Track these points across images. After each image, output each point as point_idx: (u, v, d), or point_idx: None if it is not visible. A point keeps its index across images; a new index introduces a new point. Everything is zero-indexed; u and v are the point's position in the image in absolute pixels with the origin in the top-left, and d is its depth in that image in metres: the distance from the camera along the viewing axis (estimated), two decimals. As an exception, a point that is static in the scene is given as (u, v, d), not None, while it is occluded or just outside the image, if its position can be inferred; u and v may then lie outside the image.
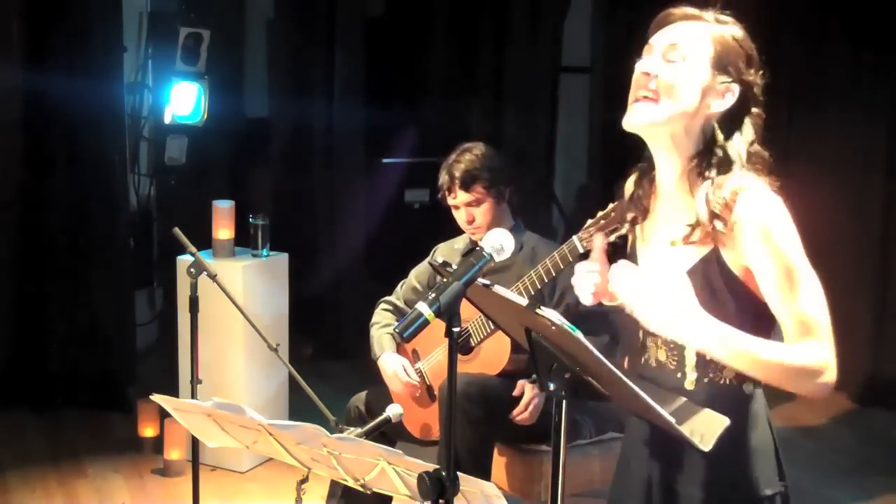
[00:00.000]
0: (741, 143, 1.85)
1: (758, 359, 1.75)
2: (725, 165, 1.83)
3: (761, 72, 1.88)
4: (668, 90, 1.83)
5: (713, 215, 1.80)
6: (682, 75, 1.83)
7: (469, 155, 3.29)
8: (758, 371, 1.79)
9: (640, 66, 1.87)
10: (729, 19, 1.89)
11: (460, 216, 3.33)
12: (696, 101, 1.83)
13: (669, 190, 1.92)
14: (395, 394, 3.40)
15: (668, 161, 1.90)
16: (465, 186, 3.25)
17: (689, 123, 1.85)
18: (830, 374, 1.76)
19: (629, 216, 2.01)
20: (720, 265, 1.82)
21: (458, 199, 3.29)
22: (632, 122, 1.86)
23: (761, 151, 1.87)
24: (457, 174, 3.26)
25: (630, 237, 2.03)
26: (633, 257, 2.00)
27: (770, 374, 1.79)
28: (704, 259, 1.84)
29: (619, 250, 2.22)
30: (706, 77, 1.84)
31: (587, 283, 1.99)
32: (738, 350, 1.75)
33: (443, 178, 3.31)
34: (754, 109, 1.88)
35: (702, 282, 1.83)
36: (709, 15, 1.88)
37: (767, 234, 1.77)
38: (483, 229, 3.23)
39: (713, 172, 1.83)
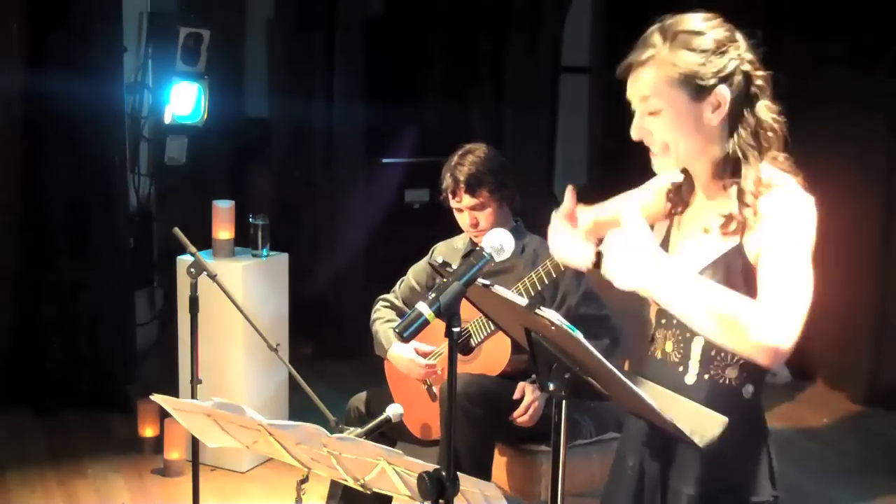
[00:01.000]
0: (750, 118, 1.85)
1: (703, 294, 1.72)
2: (745, 155, 1.83)
3: (738, 41, 1.85)
4: (666, 142, 1.86)
5: (743, 205, 1.81)
6: (667, 125, 1.84)
7: (472, 157, 3.27)
8: (695, 313, 1.74)
9: (632, 132, 1.88)
10: (677, 22, 1.85)
11: (463, 219, 3.32)
12: (694, 131, 1.84)
13: (704, 187, 1.94)
14: (399, 392, 3.40)
15: (700, 169, 1.92)
16: (471, 190, 3.23)
17: (706, 141, 1.86)
18: (769, 337, 1.67)
19: (670, 204, 2.01)
20: (743, 260, 1.83)
21: (462, 203, 3.27)
22: (659, 171, 1.93)
23: (772, 115, 1.86)
24: (461, 178, 3.24)
25: (667, 226, 2.03)
26: (665, 245, 2.00)
27: (704, 319, 1.73)
28: (728, 253, 1.85)
29: None
30: (688, 108, 1.83)
31: (560, 241, 2.02)
32: (689, 286, 1.73)
33: (447, 181, 3.29)
34: (756, 73, 1.86)
35: (723, 274, 1.84)
36: (655, 38, 1.84)
37: (784, 223, 1.77)
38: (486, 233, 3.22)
39: (736, 166, 1.84)
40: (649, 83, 1.84)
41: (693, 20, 1.85)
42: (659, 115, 1.85)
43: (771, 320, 1.69)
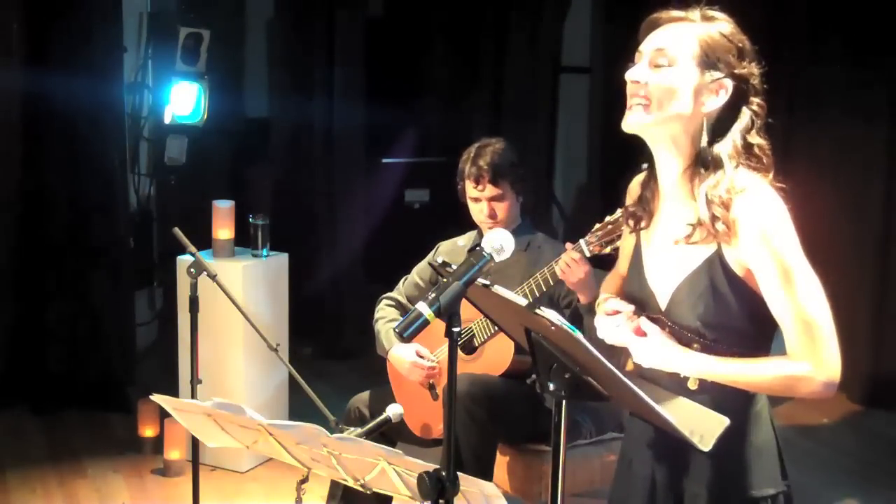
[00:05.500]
0: (738, 136, 1.85)
1: (744, 381, 1.83)
2: (720, 162, 1.83)
3: (755, 62, 1.87)
4: (659, 97, 1.85)
5: (713, 217, 1.81)
6: (670, 80, 1.85)
7: (493, 149, 3.29)
8: (749, 388, 1.86)
9: (629, 75, 1.88)
10: (717, 14, 1.89)
11: (480, 209, 3.31)
12: (689, 103, 1.84)
13: (671, 191, 1.93)
14: (400, 391, 3.40)
15: (669, 162, 1.91)
16: (495, 180, 3.25)
17: (687, 124, 1.86)
18: (827, 374, 1.78)
19: (633, 220, 2.01)
20: (723, 266, 1.83)
21: (484, 192, 3.27)
22: (628, 125, 1.89)
23: (762, 143, 1.86)
24: (486, 166, 3.24)
25: (635, 239, 2.03)
26: (637, 259, 2.00)
27: (761, 389, 1.86)
28: (708, 260, 1.85)
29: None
30: (695, 78, 1.84)
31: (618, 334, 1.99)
32: (721, 377, 1.83)
33: (469, 169, 3.29)
34: (754, 99, 1.87)
35: (706, 283, 1.84)
36: (695, 14, 1.88)
37: (766, 235, 1.78)
38: (502, 224, 3.24)
39: (710, 170, 1.84)
40: (674, 38, 1.86)
41: (730, 23, 1.90)
42: (663, 70, 1.85)
43: (822, 361, 1.77)
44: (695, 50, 1.85)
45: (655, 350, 1.88)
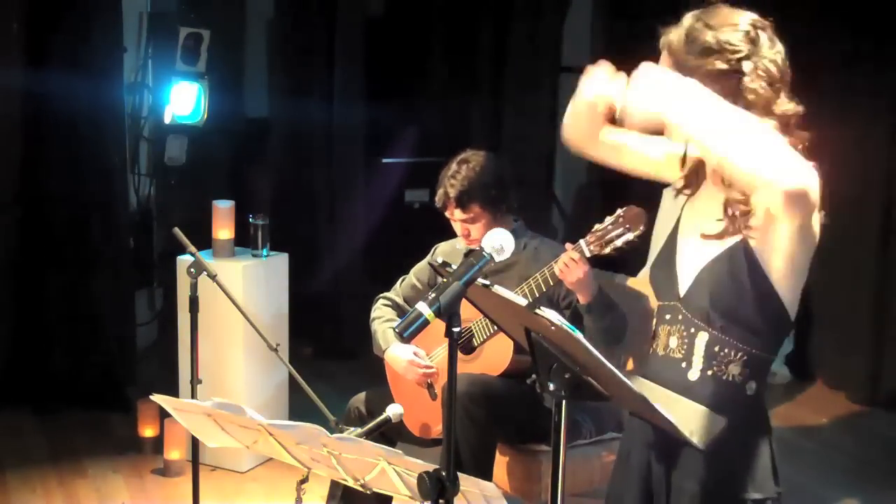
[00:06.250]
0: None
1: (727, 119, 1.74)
2: None
3: (739, 48, 1.83)
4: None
5: (733, 216, 1.83)
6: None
7: (466, 170, 3.26)
8: (720, 135, 1.76)
9: None
10: (689, 15, 1.87)
11: (457, 228, 3.35)
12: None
13: (709, 181, 1.95)
14: (398, 391, 3.40)
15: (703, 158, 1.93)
16: (461, 206, 3.26)
17: None
18: (795, 181, 1.76)
19: (681, 183, 2.01)
20: (747, 255, 1.84)
21: (454, 216, 3.31)
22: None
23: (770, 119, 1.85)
24: (452, 194, 3.25)
25: (681, 207, 2.03)
26: (672, 245, 2.00)
27: (747, 148, 1.75)
28: (731, 248, 1.86)
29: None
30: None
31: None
32: (710, 108, 1.75)
33: (439, 193, 3.31)
34: (748, 85, 1.83)
35: (725, 268, 1.85)
36: (674, 27, 1.89)
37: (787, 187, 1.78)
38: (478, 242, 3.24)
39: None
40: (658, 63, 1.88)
41: (701, 15, 1.88)
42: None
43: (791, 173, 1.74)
44: (668, 64, 1.86)
45: (653, 78, 1.78)
